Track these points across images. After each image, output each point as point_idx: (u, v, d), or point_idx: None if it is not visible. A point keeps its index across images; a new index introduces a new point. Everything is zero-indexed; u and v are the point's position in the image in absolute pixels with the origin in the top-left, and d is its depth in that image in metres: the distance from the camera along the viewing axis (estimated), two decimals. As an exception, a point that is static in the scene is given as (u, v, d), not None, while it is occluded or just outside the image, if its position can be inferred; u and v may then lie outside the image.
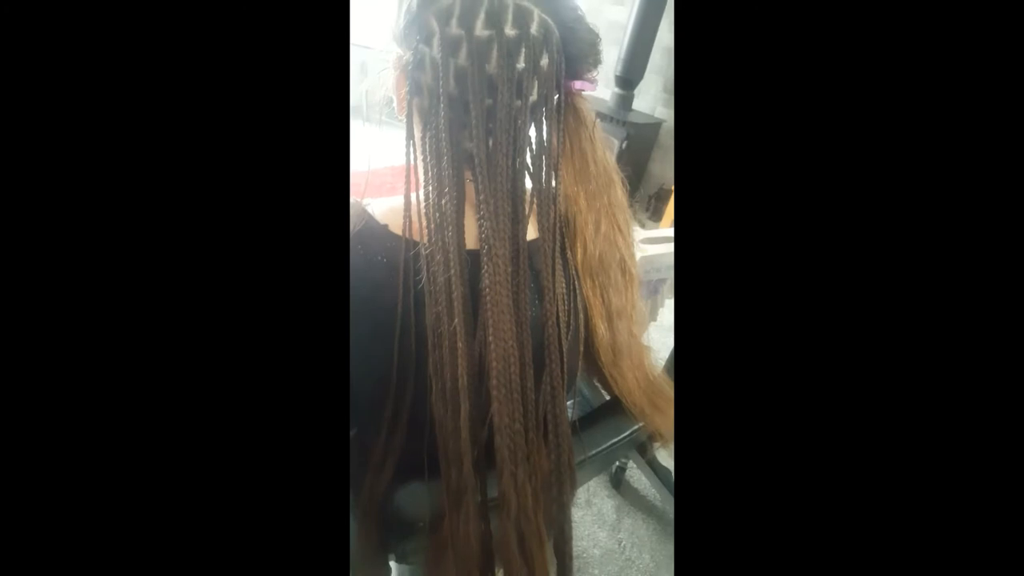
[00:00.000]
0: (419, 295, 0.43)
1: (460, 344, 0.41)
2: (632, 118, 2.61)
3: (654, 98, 2.78)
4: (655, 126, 2.75)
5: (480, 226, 0.41)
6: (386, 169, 0.57)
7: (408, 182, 0.44)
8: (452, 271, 0.41)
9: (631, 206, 0.55)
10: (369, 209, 0.47)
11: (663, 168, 2.85)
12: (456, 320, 0.41)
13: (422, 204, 0.43)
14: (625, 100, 2.64)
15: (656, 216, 2.77)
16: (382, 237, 0.46)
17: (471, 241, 0.42)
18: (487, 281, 0.41)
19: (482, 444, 0.43)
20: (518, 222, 0.43)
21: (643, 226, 2.57)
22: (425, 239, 0.43)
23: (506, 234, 0.42)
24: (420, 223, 0.43)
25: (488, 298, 0.41)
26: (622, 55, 2.51)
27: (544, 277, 0.45)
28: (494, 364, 0.41)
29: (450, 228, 0.41)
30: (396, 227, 0.45)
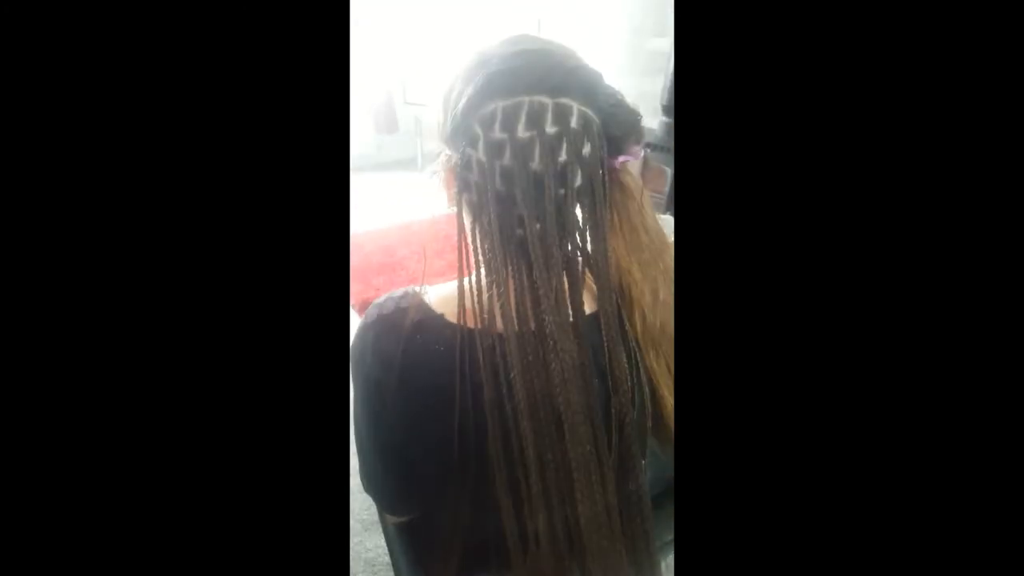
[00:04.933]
0: (476, 380, 0.44)
1: (525, 423, 0.41)
2: (683, 144, 2.57)
3: (703, 121, 2.73)
4: (707, 149, 2.68)
5: (537, 310, 0.42)
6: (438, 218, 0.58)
7: (461, 271, 0.45)
8: (503, 356, 0.41)
9: None
10: (426, 298, 0.49)
11: (719, 190, 2.76)
12: (518, 402, 0.41)
13: (474, 291, 0.44)
14: (673, 128, 2.61)
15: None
16: (439, 327, 0.47)
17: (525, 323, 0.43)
18: (556, 367, 0.41)
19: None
20: (575, 301, 0.43)
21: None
22: (478, 324, 0.44)
23: (565, 316, 0.42)
24: (474, 310, 0.44)
25: (559, 387, 0.41)
26: (667, 84, 2.49)
27: (603, 353, 0.45)
28: (570, 448, 0.41)
29: (503, 315, 0.41)
30: (451, 315, 0.47)
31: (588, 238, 0.44)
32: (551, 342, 0.41)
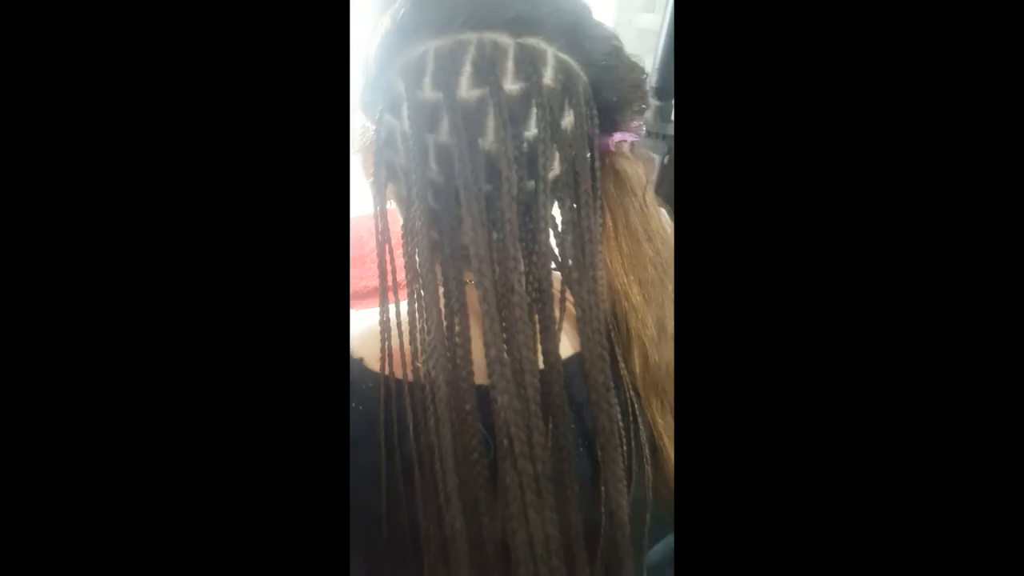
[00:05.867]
0: (407, 454, 0.31)
1: (456, 525, 0.28)
2: (672, 130, 2.45)
3: (694, 106, 2.61)
4: (698, 136, 2.57)
5: (487, 353, 0.28)
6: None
7: (384, 296, 0.31)
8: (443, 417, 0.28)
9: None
10: None
11: (710, 179, 2.66)
12: (450, 490, 0.28)
13: (404, 324, 0.30)
14: (664, 111, 2.46)
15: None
16: (356, 377, 0.33)
17: (480, 375, 0.29)
18: (505, 440, 0.27)
19: None
20: (548, 340, 0.30)
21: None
22: (407, 375, 0.30)
23: (527, 360, 0.28)
24: (402, 354, 0.31)
25: (507, 466, 0.27)
26: (656, 64, 2.34)
27: (588, 412, 0.32)
28: (521, 553, 0.28)
29: (443, 359, 0.28)
30: (373, 359, 0.33)
31: (570, 253, 0.30)
32: (502, 410, 0.27)
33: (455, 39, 0.26)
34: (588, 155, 0.29)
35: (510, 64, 0.26)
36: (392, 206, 0.34)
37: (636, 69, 0.30)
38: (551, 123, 0.27)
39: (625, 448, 0.35)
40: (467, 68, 0.26)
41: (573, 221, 0.29)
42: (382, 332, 0.31)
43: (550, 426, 0.29)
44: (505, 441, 0.27)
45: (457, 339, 0.28)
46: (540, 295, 0.29)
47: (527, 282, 0.28)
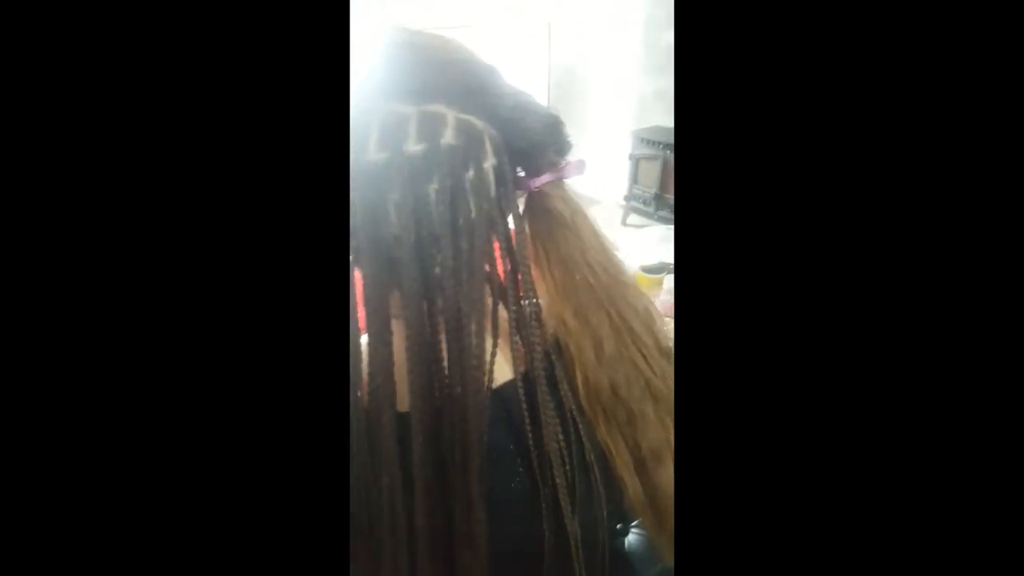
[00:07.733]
0: (377, 474, 0.34)
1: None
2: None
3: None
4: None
5: (410, 379, 0.32)
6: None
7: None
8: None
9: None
10: None
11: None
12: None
13: (364, 352, 0.34)
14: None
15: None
16: None
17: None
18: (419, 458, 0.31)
19: None
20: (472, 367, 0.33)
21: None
22: (364, 397, 0.34)
23: (438, 387, 0.32)
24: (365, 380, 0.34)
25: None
26: (685, 79, 2.34)
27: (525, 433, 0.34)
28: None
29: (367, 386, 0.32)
30: None
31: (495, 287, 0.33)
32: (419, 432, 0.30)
33: (364, 111, 0.30)
34: (502, 198, 0.33)
35: (412, 129, 0.30)
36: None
37: (546, 116, 0.33)
38: (452, 176, 0.30)
39: (568, 467, 0.37)
40: (374, 135, 0.30)
41: (461, 263, 0.32)
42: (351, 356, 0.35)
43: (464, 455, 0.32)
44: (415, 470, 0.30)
45: (383, 366, 0.32)
46: (458, 324, 0.32)
47: (447, 313, 0.31)
